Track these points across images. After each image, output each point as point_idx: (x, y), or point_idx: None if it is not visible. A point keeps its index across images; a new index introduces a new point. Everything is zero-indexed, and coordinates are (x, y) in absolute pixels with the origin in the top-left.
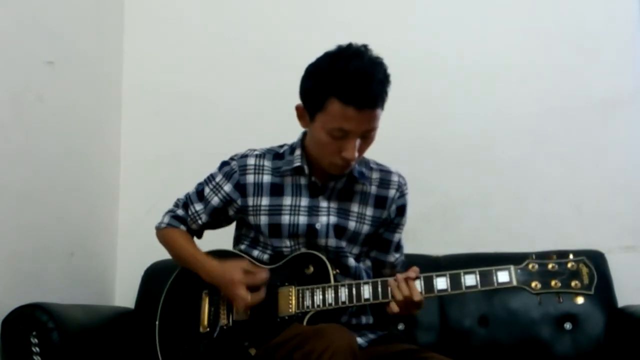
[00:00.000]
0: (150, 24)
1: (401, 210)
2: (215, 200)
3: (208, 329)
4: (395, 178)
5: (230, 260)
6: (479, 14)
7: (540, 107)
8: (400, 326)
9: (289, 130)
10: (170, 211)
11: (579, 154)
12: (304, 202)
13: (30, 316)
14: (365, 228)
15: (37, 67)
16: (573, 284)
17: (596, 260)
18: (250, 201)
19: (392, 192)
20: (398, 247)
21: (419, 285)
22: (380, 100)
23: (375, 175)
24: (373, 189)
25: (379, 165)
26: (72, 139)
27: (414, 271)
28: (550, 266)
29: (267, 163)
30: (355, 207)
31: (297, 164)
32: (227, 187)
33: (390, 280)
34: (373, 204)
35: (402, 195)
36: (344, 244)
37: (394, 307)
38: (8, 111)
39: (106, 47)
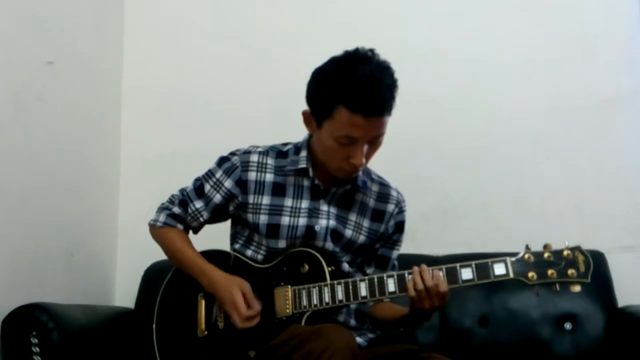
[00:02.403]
0: (150, 24)
1: (400, 226)
2: (217, 198)
3: (206, 332)
4: (394, 194)
5: (234, 277)
6: (479, 14)
7: (540, 107)
8: None
9: (289, 130)
10: (165, 208)
11: (579, 154)
12: (305, 204)
13: (30, 316)
14: (362, 238)
15: (37, 67)
16: (569, 272)
17: (596, 260)
18: (251, 199)
19: (390, 207)
20: (394, 265)
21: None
22: (388, 107)
23: (375, 188)
24: (371, 202)
25: (379, 178)
26: (72, 139)
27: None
28: (546, 256)
29: (270, 161)
30: (353, 217)
31: (302, 165)
32: (228, 183)
33: (414, 268)
34: (370, 217)
35: (401, 211)
36: (337, 249)
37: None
38: (8, 111)
39: (106, 47)
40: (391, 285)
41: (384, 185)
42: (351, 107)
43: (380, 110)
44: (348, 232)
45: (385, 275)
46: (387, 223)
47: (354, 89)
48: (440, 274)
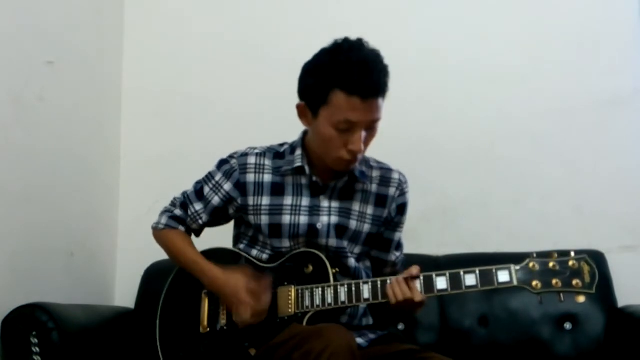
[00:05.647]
0: (150, 24)
1: (401, 208)
2: (216, 200)
3: (208, 329)
4: (395, 176)
5: (232, 268)
6: (479, 14)
7: (540, 107)
8: (400, 326)
9: (289, 129)
10: (167, 211)
11: (578, 154)
12: (305, 202)
13: (30, 316)
14: (367, 227)
15: (37, 67)
16: (574, 282)
17: (596, 260)
18: (251, 200)
19: (392, 191)
20: (398, 246)
21: (419, 285)
22: (383, 88)
23: (375, 174)
24: (374, 188)
25: (379, 163)
26: (72, 139)
27: (415, 269)
28: (551, 265)
29: (267, 162)
30: (356, 206)
31: (298, 164)
32: (227, 186)
33: (389, 282)
34: (374, 203)
35: (403, 193)
36: (345, 243)
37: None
38: (8, 111)
39: (106, 47)
40: None
41: (385, 169)
42: (348, 89)
43: (376, 92)
44: (353, 223)
45: (388, 279)
46: (390, 207)
47: (350, 72)
48: (418, 285)
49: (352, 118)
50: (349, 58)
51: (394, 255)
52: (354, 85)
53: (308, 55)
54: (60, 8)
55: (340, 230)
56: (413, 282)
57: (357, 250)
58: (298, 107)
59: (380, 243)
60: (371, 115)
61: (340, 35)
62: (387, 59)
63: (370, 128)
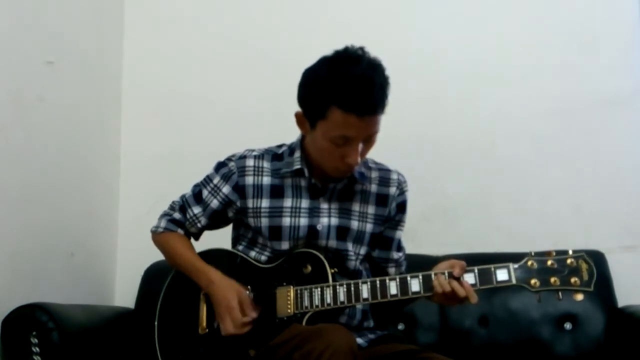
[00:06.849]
0: (150, 24)
1: (401, 207)
2: (214, 203)
3: (207, 330)
4: (394, 176)
5: (232, 281)
6: (479, 14)
7: (540, 107)
8: (400, 326)
9: (288, 130)
10: (166, 214)
11: (578, 154)
12: (305, 203)
13: (30, 316)
14: (369, 226)
15: (37, 67)
16: (572, 280)
17: (596, 260)
18: (250, 203)
19: (392, 190)
20: (400, 247)
21: (472, 278)
22: (381, 105)
23: (374, 175)
24: (373, 188)
25: (377, 164)
26: (72, 139)
27: (460, 267)
28: (549, 263)
29: (266, 164)
30: (356, 207)
31: (297, 166)
32: (226, 189)
33: (436, 278)
34: (374, 202)
35: (402, 192)
36: (349, 245)
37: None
38: (8, 111)
39: (106, 47)
40: (393, 288)
41: (383, 170)
42: (344, 107)
43: (373, 109)
44: (354, 224)
45: (387, 278)
46: (390, 206)
47: (346, 90)
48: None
49: (348, 134)
50: (347, 73)
51: (397, 254)
52: (350, 103)
53: (308, 55)
54: (60, 8)
55: (342, 231)
56: (455, 282)
57: (362, 251)
58: (296, 115)
59: (382, 242)
60: (368, 130)
61: (340, 35)
62: (387, 59)
63: (368, 140)
